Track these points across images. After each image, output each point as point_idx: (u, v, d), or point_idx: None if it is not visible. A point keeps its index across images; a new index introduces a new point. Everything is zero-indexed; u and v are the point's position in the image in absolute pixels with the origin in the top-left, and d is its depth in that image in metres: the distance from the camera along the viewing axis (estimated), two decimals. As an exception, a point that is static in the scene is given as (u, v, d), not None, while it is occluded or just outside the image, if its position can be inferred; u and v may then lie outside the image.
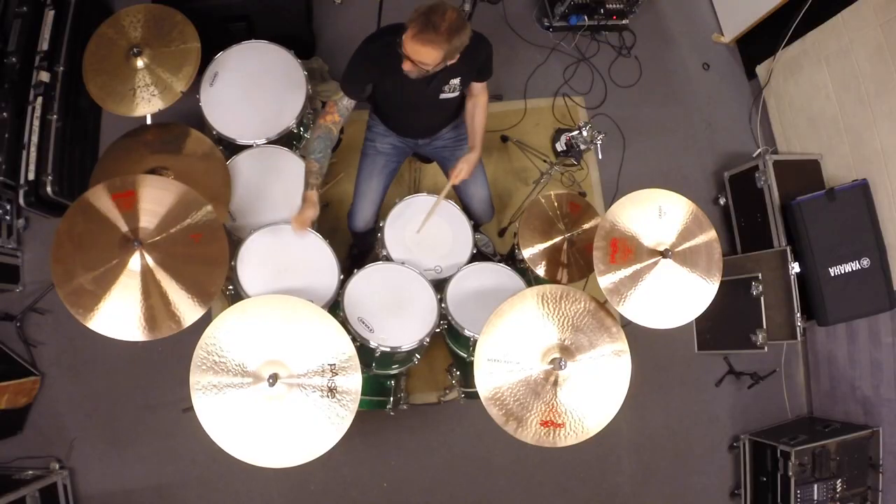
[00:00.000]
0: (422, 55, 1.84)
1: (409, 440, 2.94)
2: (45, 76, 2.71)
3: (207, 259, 1.86)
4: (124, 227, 1.84)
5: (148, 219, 1.86)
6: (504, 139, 3.35)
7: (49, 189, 2.67)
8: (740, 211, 3.29)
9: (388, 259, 2.38)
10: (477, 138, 2.31)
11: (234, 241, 2.22)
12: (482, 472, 2.95)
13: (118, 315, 1.78)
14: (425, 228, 2.42)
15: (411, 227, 2.44)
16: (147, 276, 1.81)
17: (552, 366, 1.85)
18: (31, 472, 2.60)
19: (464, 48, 1.89)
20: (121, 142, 2.30)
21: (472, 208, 2.56)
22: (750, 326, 2.94)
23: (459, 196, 2.57)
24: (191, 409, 1.70)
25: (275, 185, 2.38)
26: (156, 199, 1.87)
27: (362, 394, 1.82)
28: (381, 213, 2.50)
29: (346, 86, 2.13)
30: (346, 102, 2.15)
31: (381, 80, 2.15)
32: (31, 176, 2.66)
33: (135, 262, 1.81)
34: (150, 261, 1.81)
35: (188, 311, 1.81)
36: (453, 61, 1.93)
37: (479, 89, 2.29)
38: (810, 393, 3.28)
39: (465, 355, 2.37)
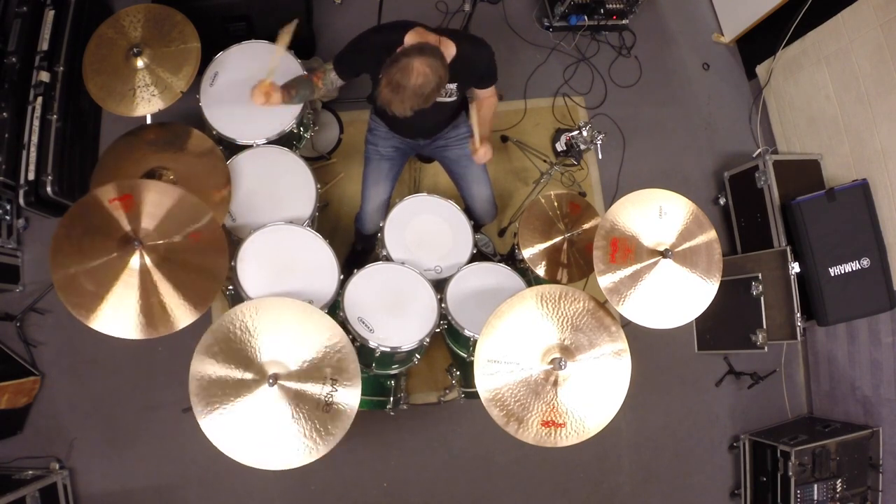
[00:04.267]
0: (388, 106, 1.85)
1: (409, 440, 2.94)
2: (45, 76, 2.71)
3: (205, 267, 1.87)
4: (126, 227, 1.84)
5: (148, 220, 1.87)
6: (504, 139, 3.35)
7: (49, 189, 2.66)
8: (740, 211, 3.28)
9: (388, 259, 2.38)
10: (475, 126, 2.24)
11: (234, 241, 2.22)
12: (482, 472, 2.95)
13: (118, 313, 1.79)
14: (420, 223, 2.44)
15: (412, 226, 2.44)
16: (145, 276, 1.82)
17: (552, 366, 1.85)
18: (31, 472, 2.60)
19: (458, 61, 1.87)
20: (122, 141, 2.30)
21: (475, 208, 2.55)
22: (750, 326, 2.94)
23: (462, 196, 2.57)
24: (191, 409, 1.71)
25: (275, 185, 2.38)
26: (155, 202, 1.88)
27: (362, 394, 1.82)
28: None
29: (338, 65, 2.12)
30: (334, 76, 2.15)
31: (379, 78, 2.14)
32: (31, 176, 2.66)
33: (135, 261, 1.82)
34: (149, 261, 1.82)
35: (182, 314, 1.81)
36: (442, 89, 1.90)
37: (484, 93, 2.25)
38: (810, 393, 3.28)
39: (465, 355, 2.37)
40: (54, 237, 1.81)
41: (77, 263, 1.79)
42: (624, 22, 3.60)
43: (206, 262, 1.87)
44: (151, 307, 1.80)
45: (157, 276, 1.82)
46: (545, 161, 3.23)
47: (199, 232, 1.86)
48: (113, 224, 1.84)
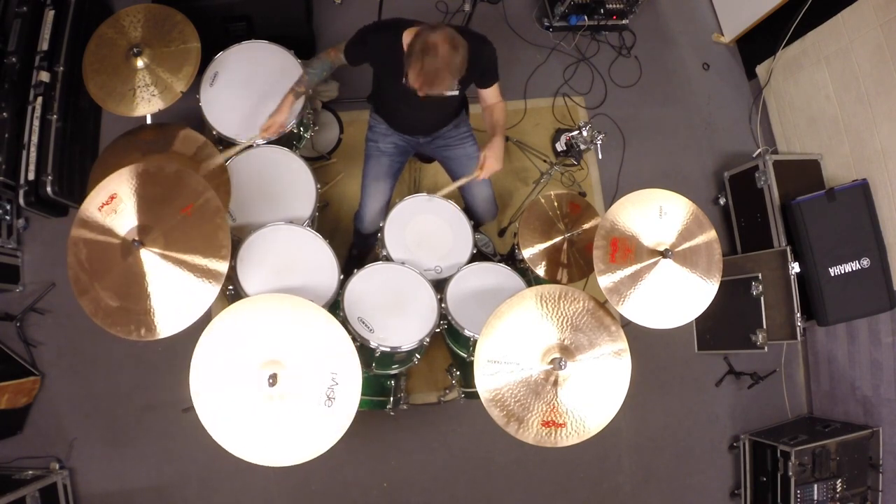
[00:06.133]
0: (431, 90, 1.89)
1: (409, 440, 2.94)
2: (45, 76, 2.71)
3: (205, 223, 1.83)
4: (119, 236, 1.82)
5: (136, 216, 1.84)
6: (504, 139, 3.34)
7: (49, 189, 2.67)
8: (740, 211, 3.28)
9: (388, 259, 2.38)
10: (497, 128, 2.27)
11: (234, 241, 2.22)
12: (482, 472, 2.95)
13: (172, 310, 1.79)
14: (420, 223, 2.44)
15: (412, 226, 2.44)
16: (163, 266, 1.80)
17: (552, 366, 1.85)
18: (31, 472, 2.60)
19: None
20: (120, 141, 2.30)
21: (476, 207, 2.55)
22: (750, 326, 2.94)
23: (463, 195, 2.57)
24: (191, 409, 1.70)
25: (275, 185, 2.38)
26: (133, 190, 1.85)
27: (362, 394, 1.82)
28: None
29: (346, 52, 2.17)
30: (313, 74, 2.27)
31: (379, 73, 2.16)
32: (31, 176, 2.66)
33: (146, 261, 1.80)
34: (156, 253, 1.80)
35: (212, 271, 1.80)
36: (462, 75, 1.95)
37: (491, 97, 2.27)
38: (810, 393, 3.28)
39: (465, 355, 2.37)
40: (69, 268, 1.80)
41: (103, 291, 1.78)
42: (624, 22, 3.60)
43: (205, 224, 1.84)
44: (183, 289, 1.79)
45: (171, 262, 1.80)
46: (545, 161, 3.23)
47: (189, 203, 1.83)
48: (108, 239, 1.82)
